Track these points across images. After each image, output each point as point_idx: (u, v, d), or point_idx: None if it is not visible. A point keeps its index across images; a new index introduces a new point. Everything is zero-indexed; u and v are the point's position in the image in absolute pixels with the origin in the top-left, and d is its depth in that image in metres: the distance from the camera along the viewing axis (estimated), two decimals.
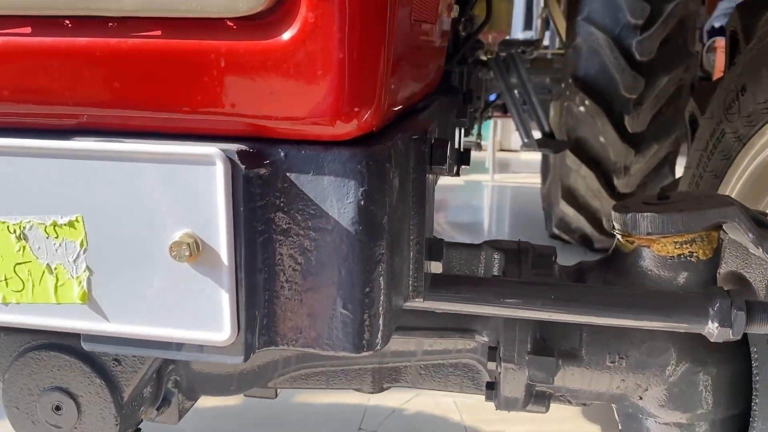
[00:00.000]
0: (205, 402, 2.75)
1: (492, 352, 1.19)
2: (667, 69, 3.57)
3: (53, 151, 0.65)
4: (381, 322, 0.70)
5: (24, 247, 0.68)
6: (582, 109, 3.81)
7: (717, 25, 8.98)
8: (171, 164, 0.63)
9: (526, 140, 3.42)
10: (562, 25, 4.32)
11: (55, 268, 0.68)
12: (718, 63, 7.72)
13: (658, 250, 1.15)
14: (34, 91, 0.65)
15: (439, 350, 1.28)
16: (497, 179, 7.18)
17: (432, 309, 0.99)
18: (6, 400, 1.00)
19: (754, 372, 1.12)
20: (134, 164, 0.64)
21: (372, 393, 1.38)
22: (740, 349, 1.16)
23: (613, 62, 3.61)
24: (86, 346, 0.72)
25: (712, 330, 0.93)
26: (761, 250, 1.08)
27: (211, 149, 0.62)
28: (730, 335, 0.92)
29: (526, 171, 7.47)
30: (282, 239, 0.67)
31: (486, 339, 1.23)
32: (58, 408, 0.98)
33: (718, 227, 1.14)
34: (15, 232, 0.68)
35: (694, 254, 1.13)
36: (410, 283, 0.82)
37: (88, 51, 0.62)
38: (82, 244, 0.67)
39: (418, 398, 2.86)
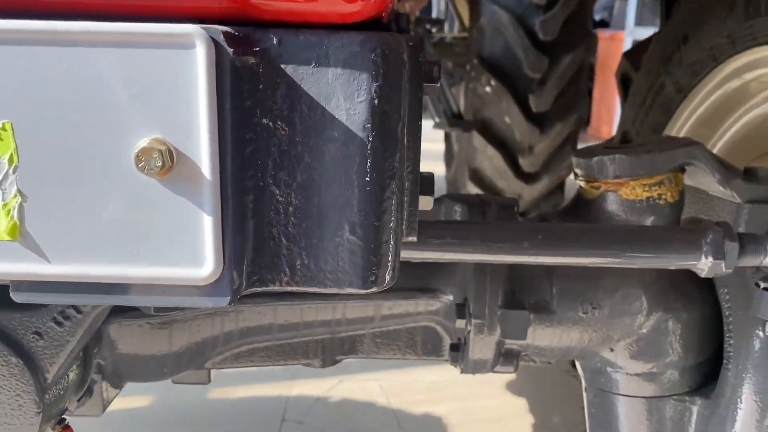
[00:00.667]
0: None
1: (460, 310, 1.11)
2: (569, 49, 3.66)
3: None
4: (392, 252, 0.58)
5: None
6: (487, 89, 3.83)
7: (597, 18, 9.48)
8: (137, 49, 0.49)
9: (437, 120, 3.39)
10: (463, 7, 4.34)
11: None
12: (600, 52, 8.15)
13: (627, 193, 1.11)
14: None
15: (398, 314, 1.18)
16: None
17: (414, 258, 0.89)
18: None
19: (726, 314, 1.10)
20: (87, 50, 0.49)
21: (323, 367, 1.25)
22: (708, 292, 1.14)
23: (517, 42, 3.65)
24: (18, 297, 0.55)
25: (705, 265, 0.89)
26: (728, 189, 1.07)
27: (191, 27, 0.49)
28: (722, 269, 0.89)
29: (428, 160, 7.53)
30: (277, 149, 0.54)
31: (451, 297, 1.14)
32: None
33: (683, 169, 1.12)
34: None
35: (663, 196, 1.10)
36: (405, 218, 0.71)
37: None
38: (11, 161, 0.51)
39: (342, 384, 2.75)
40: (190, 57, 0.49)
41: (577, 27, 3.72)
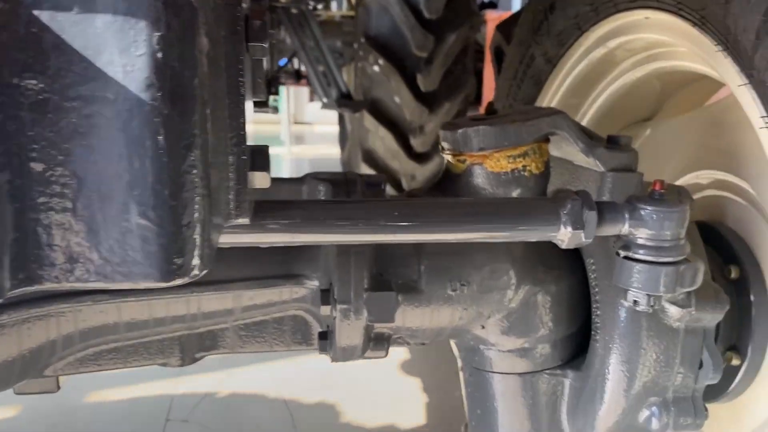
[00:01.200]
0: None
1: (325, 296, 1.04)
2: (454, 26, 3.66)
3: None
4: (200, 236, 0.50)
5: None
6: (376, 68, 3.78)
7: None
8: None
9: (325, 100, 3.30)
10: None
11: None
12: (489, 33, 8.30)
13: (492, 166, 1.07)
14: None
15: (262, 304, 1.09)
16: (294, 152, 7.02)
17: (258, 243, 0.80)
18: None
19: (593, 285, 1.09)
20: None
21: (182, 365, 1.14)
22: (576, 263, 1.13)
23: (403, 20, 3.61)
24: None
25: (564, 235, 0.86)
26: (591, 158, 1.05)
27: None
28: (582, 239, 0.86)
29: (321, 143, 7.41)
30: (36, 118, 0.44)
31: (317, 283, 1.07)
32: None
33: (547, 140, 1.10)
34: None
35: (528, 168, 1.07)
36: (232, 197, 0.63)
37: None
38: None
39: (231, 378, 2.64)
40: None
41: (461, 5, 3.73)
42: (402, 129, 3.89)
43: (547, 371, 1.13)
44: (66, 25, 0.43)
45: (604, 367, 1.05)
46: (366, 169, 4.06)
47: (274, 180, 1.11)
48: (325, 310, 1.04)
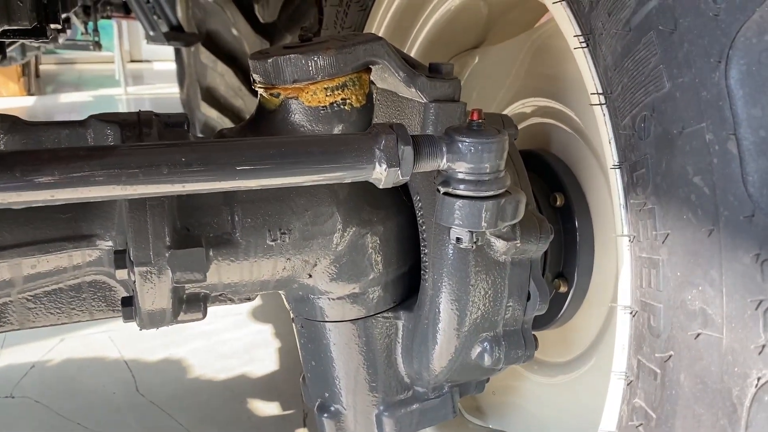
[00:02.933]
0: None
1: (120, 257, 0.90)
2: None
3: None
4: None
5: None
6: None
7: None
8: None
9: (152, 33, 2.99)
10: None
11: None
12: None
13: (308, 100, 0.97)
14: None
15: (48, 271, 0.94)
16: (131, 92, 6.48)
17: (17, 203, 0.65)
18: None
19: (420, 223, 1.03)
20: None
21: None
22: (403, 201, 1.07)
23: None
24: None
25: (380, 174, 0.78)
26: (413, 88, 0.98)
27: None
28: (398, 177, 0.78)
29: (160, 81, 6.89)
30: None
31: (111, 243, 0.93)
32: None
33: (368, 70, 1.00)
34: None
35: (348, 101, 0.98)
36: None
37: None
38: None
39: (64, 344, 2.41)
40: None
41: None
42: (243, 63, 3.65)
43: (380, 315, 1.08)
44: None
45: (435, 306, 1.01)
46: (207, 109, 3.80)
47: (51, 124, 0.94)
48: (121, 273, 0.90)
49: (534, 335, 1.05)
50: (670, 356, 0.61)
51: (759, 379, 0.52)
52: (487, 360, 1.02)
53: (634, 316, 0.68)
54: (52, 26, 1.33)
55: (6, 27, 0.90)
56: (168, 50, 5.44)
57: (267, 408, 2.11)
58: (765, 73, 0.53)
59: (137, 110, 0.97)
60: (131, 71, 6.90)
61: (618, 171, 0.71)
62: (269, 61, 0.95)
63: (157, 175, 0.69)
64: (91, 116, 0.94)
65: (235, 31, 3.52)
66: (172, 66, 6.04)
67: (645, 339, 0.65)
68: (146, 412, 2.06)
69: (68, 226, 0.91)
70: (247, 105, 3.80)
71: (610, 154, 0.73)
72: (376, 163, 0.78)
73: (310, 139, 0.85)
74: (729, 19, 0.55)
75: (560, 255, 1.15)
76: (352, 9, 1.40)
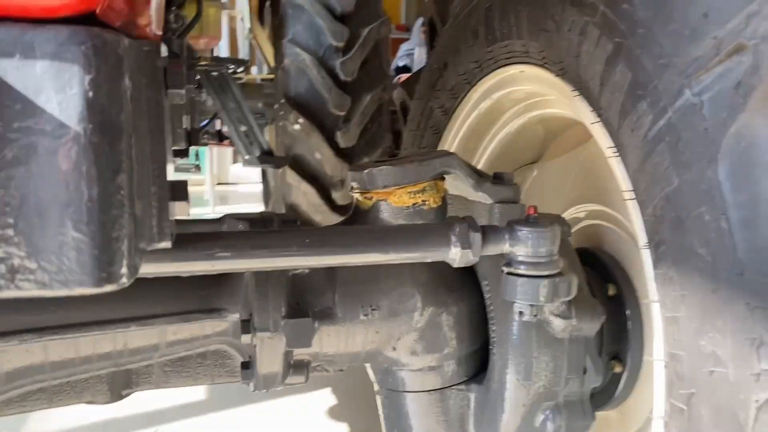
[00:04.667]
0: None
1: (245, 325, 1.11)
2: (369, 88, 3.86)
3: None
4: (126, 245, 0.59)
5: None
6: (296, 127, 3.91)
7: (401, 64, 10.11)
8: None
9: (247, 157, 3.39)
10: (268, 49, 4.42)
11: None
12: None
13: (395, 201, 1.20)
14: None
15: (185, 339, 1.16)
16: (218, 211, 7.02)
17: (179, 272, 0.88)
18: None
19: (488, 304, 1.22)
20: None
21: (108, 403, 1.19)
22: (473, 286, 1.26)
23: (321, 81, 3.79)
24: None
25: (455, 254, 0.98)
26: (480, 192, 1.20)
27: None
28: (470, 257, 0.99)
29: (245, 202, 7.44)
30: None
31: (237, 315, 1.15)
32: None
33: (443, 177, 1.23)
34: None
35: (426, 202, 1.20)
36: (155, 223, 0.72)
37: None
38: None
39: None
40: None
41: (374, 68, 3.94)
42: (323, 183, 4.02)
43: (455, 387, 1.24)
44: (11, 69, 0.53)
45: (502, 378, 1.17)
46: None
47: (196, 221, 1.20)
48: (245, 338, 1.11)
49: (592, 407, 1.18)
50: (693, 393, 0.75)
51: (757, 401, 0.67)
52: (549, 427, 1.15)
53: (665, 366, 0.83)
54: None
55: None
56: (252, 174, 5.93)
57: None
58: (744, 169, 0.72)
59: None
60: (218, 192, 7.52)
61: (647, 250, 0.89)
62: (365, 171, 1.20)
63: (289, 252, 0.92)
64: (226, 215, 1.20)
65: (318, 155, 3.91)
66: (255, 188, 6.54)
67: (674, 383, 0.80)
68: None
69: (204, 301, 1.14)
70: (325, 219, 4.13)
71: (640, 237, 0.91)
72: (452, 246, 0.98)
73: (400, 226, 1.08)
74: (715, 132, 0.74)
75: (614, 339, 1.29)
76: (428, 133, 1.67)
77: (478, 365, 1.27)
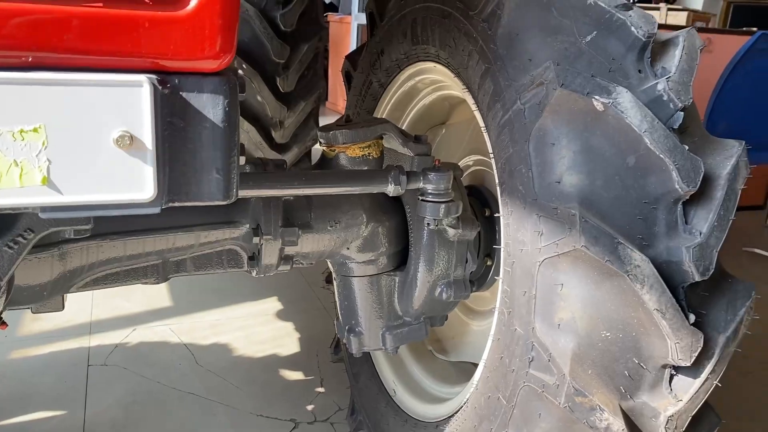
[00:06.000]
0: None
1: (256, 231, 1.73)
2: (306, 38, 4.36)
3: (23, 80, 0.99)
4: (235, 182, 1.20)
5: None
6: (241, 72, 4.39)
7: (327, 1, 10.41)
8: (116, 87, 1.03)
9: None
10: None
11: (21, 162, 1.02)
12: (331, 34, 9.08)
13: (350, 153, 1.83)
14: (29, 39, 0.97)
15: (211, 241, 1.76)
16: None
17: (253, 194, 1.50)
18: None
19: (408, 220, 1.88)
20: (91, 88, 1.02)
21: (157, 283, 1.78)
22: (399, 209, 1.92)
23: (263, 32, 4.26)
24: (43, 215, 1.06)
25: (390, 189, 1.63)
26: (405, 148, 1.84)
27: (142, 77, 1.04)
28: (400, 190, 1.64)
29: None
30: (182, 133, 1.12)
31: (247, 226, 1.76)
32: None
33: (381, 137, 1.87)
34: None
35: (371, 154, 1.84)
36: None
37: (61, 15, 0.98)
38: (43, 144, 1.02)
39: (136, 332, 3.18)
40: (142, 90, 1.04)
41: (311, 19, 4.44)
42: (264, 124, 4.54)
43: (385, 273, 1.91)
44: (191, 97, 1.12)
45: (416, 267, 1.85)
46: None
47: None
48: (255, 240, 1.73)
49: (470, 284, 1.89)
50: (513, 262, 1.45)
51: (538, 262, 1.37)
52: (443, 295, 1.85)
53: (503, 249, 1.52)
54: None
55: None
56: None
57: (292, 374, 2.90)
58: (540, 146, 1.39)
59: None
60: None
61: (498, 187, 1.56)
62: (331, 132, 1.81)
63: (296, 184, 1.54)
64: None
65: (260, 98, 4.42)
66: None
67: (506, 258, 1.49)
68: (205, 376, 2.84)
69: (227, 215, 1.74)
70: (266, 156, 4.68)
71: (496, 179, 1.58)
72: (389, 183, 1.63)
73: (357, 172, 1.71)
74: (529, 125, 1.41)
75: (487, 244, 1.99)
76: (367, 99, 2.28)
77: (401, 259, 1.94)
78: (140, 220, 1.64)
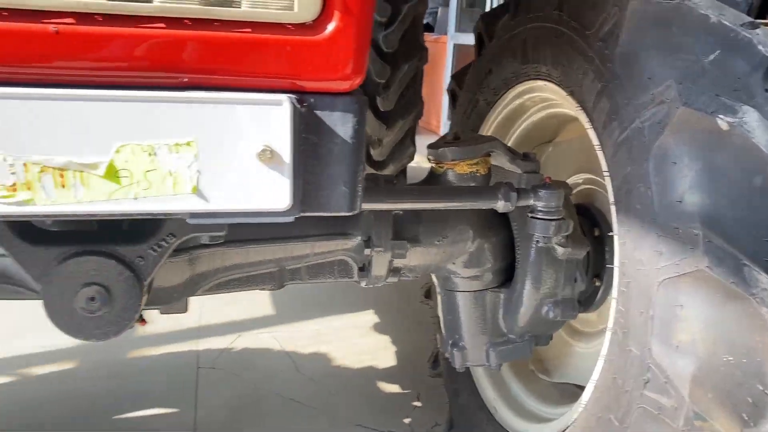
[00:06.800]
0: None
1: (367, 243, 1.79)
2: (406, 58, 4.45)
3: (180, 98, 1.09)
4: (360, 195, 1.26)
5: (153, 160, 1.11)
6: None
7: (424, 22, 10.51)
8: (260, 105, 1.12)
9: None
10: None
11: (175, 172, 1.12)
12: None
13: (459, 169, 1.87)
14: (188, 62, 1.08)
15: (325, 251, 1.84)
16: None
17: (375, 207, 1.58)
18: (47, 299, 1.32)
19: (516, 237, 1.90)
20: (238, 106, 1.11)
21: (273, 290, 1.88)
22: (506, 226, 1.93)
23: None
24: (191, 220, 1.16)
25: (499, 205, 1.66)
26: (513, 165, 1.86)
27: (283, 96, 1.13)
28: (509, 207, 1.66)
29: None
30: (315, 148, 1.20)
31: (359, 238, 1.83)
32: (92, 299, 1.34)
33: (489, 154, 1.90)
34: (147, 151, 1.10)
35: (479, 171, 1.87)
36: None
37: (215, 40, 1.08)
38: (195, 156, 1.12)
39: (241, 338, 3.33)
40: (283, 108, 1.13)
41: (412, 41, 4.54)
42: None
43: (490, 289, 1.93)
44: (325, 115, 1.20)
45: (523, 284, 1.85)
46: None
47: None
48: (366, 251, 1.80)
49: (577, 304, 1.87)
50: (629, 282, 1.44)
51: (659, 281, 1.34)
52: (550, 314, 1.84)
53: (617, 268, 1.51)
54: None
55: None
56: None
57: (390, 387, 2.95)
58: (660, 165, 1.38)
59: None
60: None
61: (613, 206, 1.55)
62: (440, 149, 1.86)
63: (409, 199, 1.59)
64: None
65: None
66: None
67: (621, 278, 1.48)
68: (306, 383, 2.94)
69: (340, 227, 1.82)
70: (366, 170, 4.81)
71: (610, 198, 1.57)
72: (498, 200, 1.65)
73: (467, 188, 1.75)
74: (649, 143, 1.40)
75: (597, 264, 1.97)
76: (473, 117, 2.32)
77: (507, 276, 1.96)
78: (263, 229, 1.74)
